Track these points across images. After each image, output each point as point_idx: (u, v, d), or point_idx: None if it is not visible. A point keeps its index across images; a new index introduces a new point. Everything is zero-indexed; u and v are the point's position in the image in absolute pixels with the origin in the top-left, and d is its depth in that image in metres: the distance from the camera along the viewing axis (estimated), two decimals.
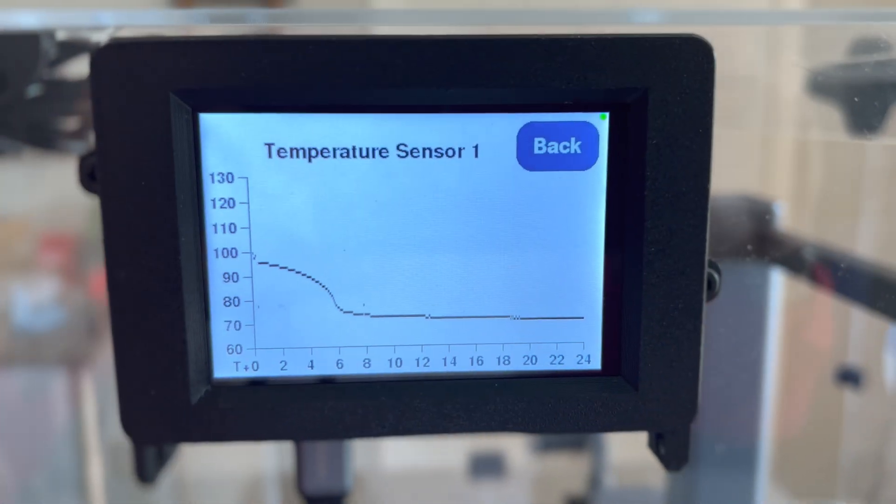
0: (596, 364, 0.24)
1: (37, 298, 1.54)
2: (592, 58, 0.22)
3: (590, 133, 0.23)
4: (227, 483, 1.34)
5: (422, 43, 0.21)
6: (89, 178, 0.24)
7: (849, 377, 1.09)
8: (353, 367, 0.24)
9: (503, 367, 0.24)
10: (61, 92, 0.27)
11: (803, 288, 0.98)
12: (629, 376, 0.23)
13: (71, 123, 0.28)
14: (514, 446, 1.12)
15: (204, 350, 0.23)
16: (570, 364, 0.24)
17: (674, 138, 0.22)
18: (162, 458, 0.25)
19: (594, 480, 1.06)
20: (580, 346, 0.24)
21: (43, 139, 0.27)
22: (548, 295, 0.23)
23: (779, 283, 0.93)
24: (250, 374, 0.24)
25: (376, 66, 0.21)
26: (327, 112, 0.22)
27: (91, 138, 0.27)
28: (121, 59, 0.21)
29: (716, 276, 0.25)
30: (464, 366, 0.24)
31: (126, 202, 0.22)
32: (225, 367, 0.23)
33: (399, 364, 0.24)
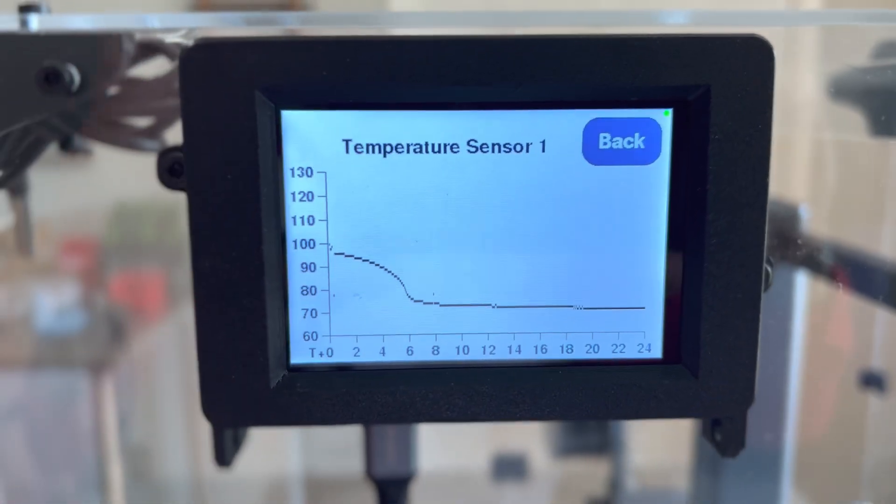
0: (657, 353, 0.25)
1: (59, 302, 1.56)
2: (656, 56, 0.22)
3: (653, 129, 0.23)
4: (248, 485, 1.35)
5: (493, 42, 0.22)
6: (168, 173, 0.25)
7: (872, 381, 1.09)
8: (422, 353, 0.25)
9: (566, 356, 0.25)
10: (135, 91, 0.28)
11: (828, 291, 0.99)
12: (689, 364, 0.24)
13: (143, 122, 0.29)
14: (537, 449, 1.13)
15: (282, 337, 0.24)
16: (631, 353, 0.25)
17: (735, 134, 0.23)
18: (237, 443, 0.26)
19: (616, 484, 1.07)
20: (641, 336, 0.25)
21: (118, 137, 0.29)
22: (610, 285, 0.24)
23: (803, 286, 0.93)
24: (325, 360, 0.25)
25: (448, 64, 0.22)
26: (401, 109, 0.23)
27: (162, 137, 0.29)
28: (209, 58, 0.22)
29: (769, 269, 0.26)
30: (528, 354, 0.25)
31: (212, 195, 0.23)
32: (302, 353, 0.24)
33: (466, 351, 0.25)
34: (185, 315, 1.77)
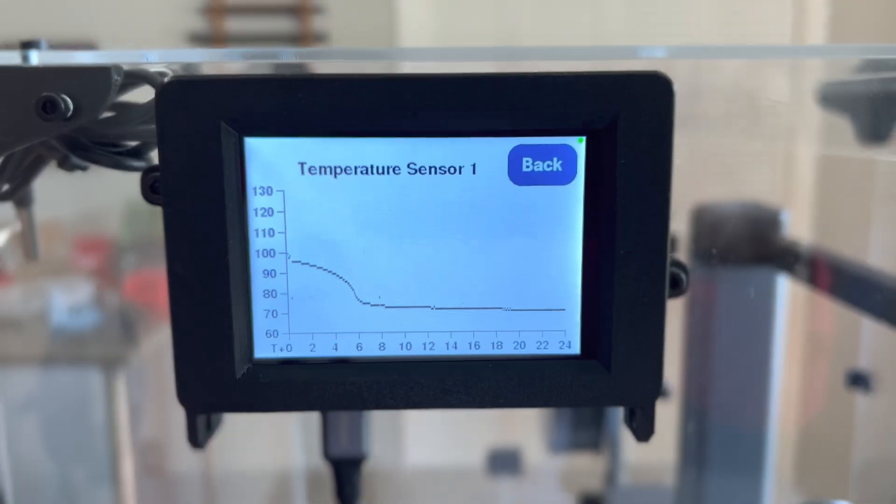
0: (576, 349, 0.28)
1: (73, 300, 1.60)
2: (570, 91, 0.26)
3: (569, 154, 0.27)
4: (256, 479, 1.39)
5: (428, 80, 0.26)
6: (150, 190, 0.28)
7: (859, 381, 1.12)
8: (370, 349, 0.28)
9: (497, 351, 0.28)
10: (123, 116, 0.32)
11: (809, 293, 1.02)
12: (603, 360, 0.28)
13: (130, 143, 0.33)
14: (532, 445, 1.17)
15: (246, 334, 0.28)
16: (553, 349, 0.28)
17: (639, 158, 0.26)
18: (210, 427, 0.29)
19: (609, 479, 1.10)
20: (562, 334, 0.28)
21: (108, 158, 0.32)
22: (535, 290, 0.28)
23: (785, 287, 0.97)
24: (285, 354, 0.28)
25: (391, 99, 0.26)
26: (350, 136, 0.27)
27: (149, 157, 0.32)
28: (181, 93, 0.26)
29: (682, 275, 0.29)
30: (463, 349, 0.28)
31: (184, 210, 0.26)
32: (264, 349, 0.28)
33: (408, 347, 0.28)
34: None
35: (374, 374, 0.28)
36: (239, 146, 0.27)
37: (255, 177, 0.27)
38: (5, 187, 0.35)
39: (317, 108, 0.26)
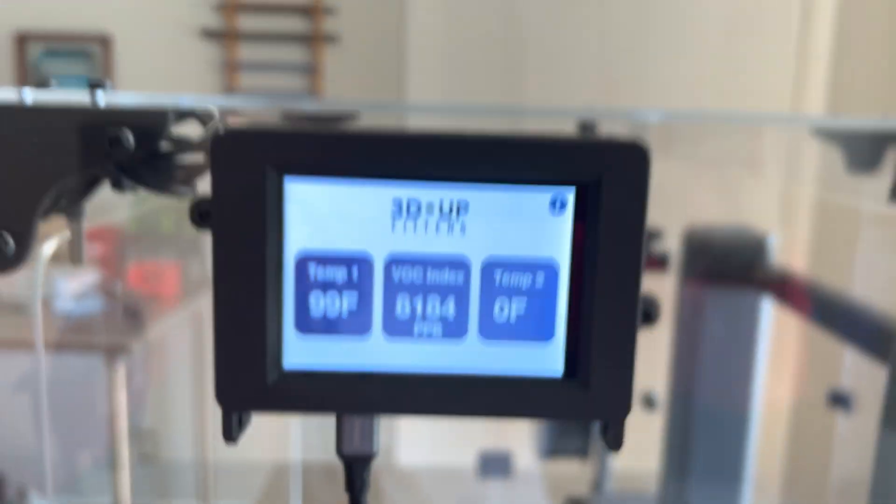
0: (560, 373, 0.33)
1: (77, 287, 1.64)
2: (562, 154, 0.30)
3: (563, 199, 0.31)
4: (251, 471, 1.43)
5: (428, 137, 0.30)
6: (199, 217, 0.33)
7: (839, 400, 1.17)
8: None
9: (493, 372, 0.33)
10: (178, 148, 0.36)
11: (792, 318, 1.06)
12: (583, 381, 0.32)
13: (181, 173, 0.37)
14: (522, 450, 1.21)
15: (277, 345, 0.32)
16: (541, 372, 0.33)
17: (620, 213, 0.31)
18: (241, 424, 0.34)
19: (596, 485, 1.15)
20: (551, 360, 0.33)
21: (159, 184, 0.37)
22: (527, 320, 0.32)
23: (770, 309, 1.01)
24: (310, 366, 0.33)
25: (390, 152, 0.31)
26: (365, 178, 0.31)
27: (194, 184, 0.37)
28: (232, 142, 0.30)
29: (653, 309, 0.34)
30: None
31: (230, 238, 0.31)
32: (293, 360, 0.33)
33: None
34: (198, 304, 1.85)
35: (388, 385, 0.32)
36: (279, 185, 0.31)
37: (293, 212, 0.32)
38: (62, 202, 0.40)
39: (343, 155, 0.31)
